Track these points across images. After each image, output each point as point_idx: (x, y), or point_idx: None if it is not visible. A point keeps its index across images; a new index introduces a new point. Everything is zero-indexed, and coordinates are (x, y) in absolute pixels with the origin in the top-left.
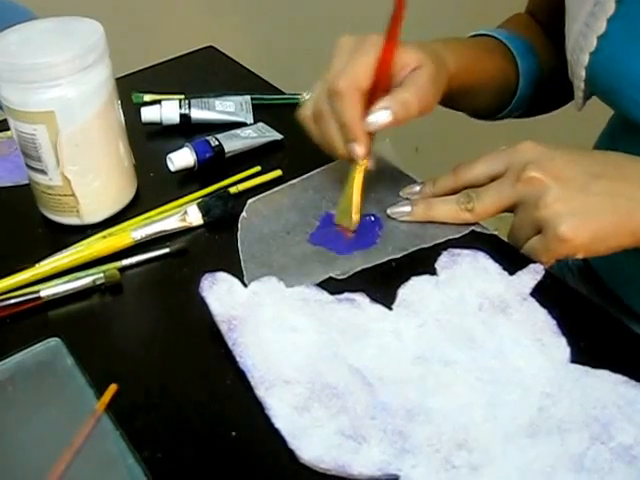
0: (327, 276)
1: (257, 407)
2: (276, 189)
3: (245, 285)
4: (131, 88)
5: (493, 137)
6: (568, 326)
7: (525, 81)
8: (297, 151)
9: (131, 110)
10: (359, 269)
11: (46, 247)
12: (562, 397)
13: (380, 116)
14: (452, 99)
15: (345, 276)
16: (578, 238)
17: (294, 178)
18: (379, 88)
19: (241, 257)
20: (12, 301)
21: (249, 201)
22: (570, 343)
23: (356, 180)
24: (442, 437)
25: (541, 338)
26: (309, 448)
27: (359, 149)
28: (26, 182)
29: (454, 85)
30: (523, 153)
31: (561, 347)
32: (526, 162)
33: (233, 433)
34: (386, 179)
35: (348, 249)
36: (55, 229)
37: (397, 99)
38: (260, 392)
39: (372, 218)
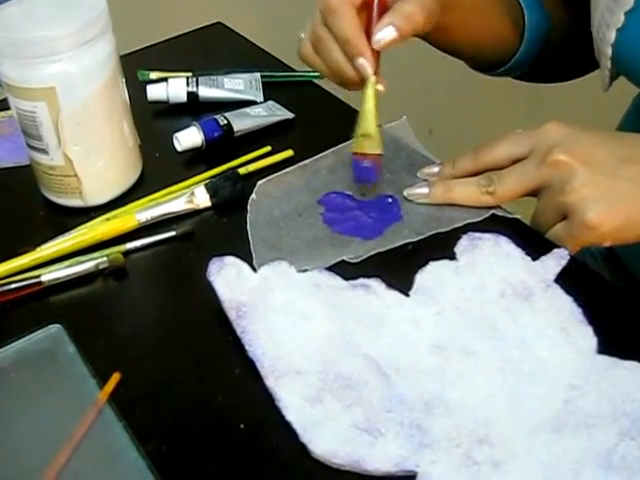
0: (340, 259)
1: (267, 398)
2: (287, 170)
3: (255, 270)
4: (137, 65)
5: (509, 119)
6: (595, 314)
7: (531, 36)
8: (309, 130)
9: (137, 88)
10: (374, 253)
11: (48, 230)
12: (589, 390)
13: (385, 32)
14: (447, 37)
15: (359, 260)
16: (605, 226)
17: (306, 158)
18: (373, 4)
19: (250, 240)
20: (12, 286)
21: (259, 182)
22: (597, 332)
23: (369, 101)
24: (462, 431)
25: (566, 327)
26: (322, 442)
27: (366, 63)
28: (27, 163)
29: (449, 16)
30: (548, 134)
31: (587, 337)
32: (552, 144)
33: (242, 425)
34: (402, 159)
35: (372, 232)
36: (57, 211)
37: (400, 13)
38: (270, 382)
39: (390, 200)
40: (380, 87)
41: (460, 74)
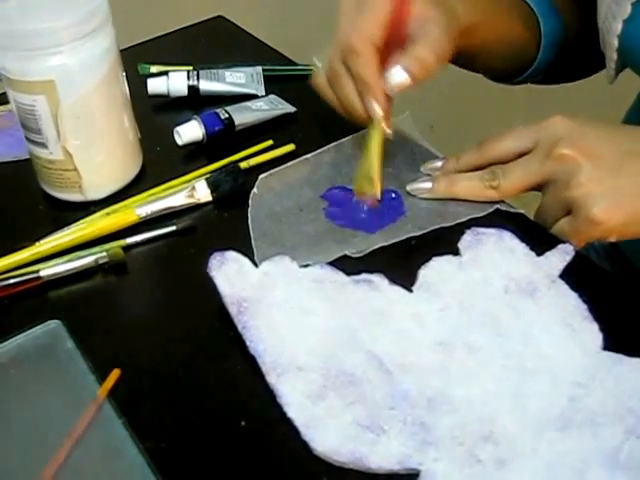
0: (342, 254)
1: (268, 395)
2: (289, 164)
3: (256, 265)
4: (138, 59)
5: (510, 114)
6: (600, 311)
7: (547, 43)
8: (311, 124)
9: (137, 82)
10: (376, 247)
11: (47, 224)
12: (594, 387)
13: (396, 76)
14: (466, 57)
15: (361, 254)
16: (611, 221)
17: (307, 153)
18: (393, 43)
19: (252, 235)
20: (11, 281)
21: (260, 176)
22: (602, 329)
23: (375, 143)
24: (466, 429)
25: (571, 323)
26: (324, 439)
27: (377, 106)
28: (27, 157)
29: (468, 40)
30: (553, 128)
31: (593, 333)
32: (557, 138)
33: (243, 422)
34: (405, 154)
35: (374, 226)
36: (56, 206)
37: (412, 56)
38: (272, 379)
39: (393, 195)
40: (388, 131)
41: (461, 70)
